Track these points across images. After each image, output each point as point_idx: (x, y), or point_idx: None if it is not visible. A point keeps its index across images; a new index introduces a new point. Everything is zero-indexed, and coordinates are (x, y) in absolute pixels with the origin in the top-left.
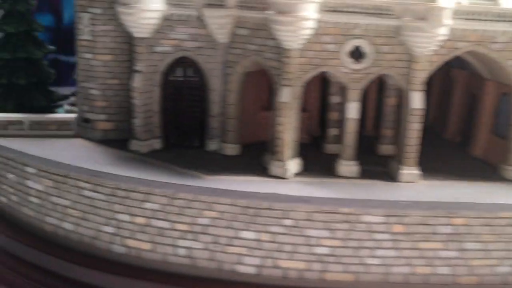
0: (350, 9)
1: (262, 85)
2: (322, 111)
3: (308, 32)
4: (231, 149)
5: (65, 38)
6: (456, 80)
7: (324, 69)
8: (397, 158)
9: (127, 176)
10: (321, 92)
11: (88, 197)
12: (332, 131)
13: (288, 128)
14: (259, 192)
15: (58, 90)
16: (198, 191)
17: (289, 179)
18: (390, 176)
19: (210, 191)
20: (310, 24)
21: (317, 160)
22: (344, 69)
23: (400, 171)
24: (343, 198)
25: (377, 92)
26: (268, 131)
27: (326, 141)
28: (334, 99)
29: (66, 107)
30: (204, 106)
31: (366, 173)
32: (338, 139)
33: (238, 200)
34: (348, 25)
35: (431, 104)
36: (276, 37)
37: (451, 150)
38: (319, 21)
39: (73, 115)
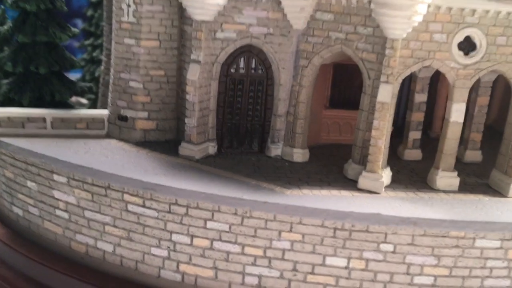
0: None
1: (325, 80)
2: (397, 110)
3: (419, 18)
4: (300, 155)
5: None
6: None
7: (428, 63)
8: (501, 168)
9: (187, 190)
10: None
11: (135, 213)
12: (414, 135)
13: (385, 133)
14: (354, 212)
15: None
16: (279, 209)
17: (381, 194)
18: (494, 189)
19: (293, 210)
20: (423, 8)
21: (401, 168)
22: (452, 64)
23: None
24: (454, 219)
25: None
26: (355, 135)
27: (404, 145)
28: (419, 97)
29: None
30: (268, 104)
31: (464, 186)
32: (419, 144)
33: (328, 221)
34: (463, 11)
35: (493, 104)
36: (379, 23)
37: None
38: (429, 5)
39: (105, 112)
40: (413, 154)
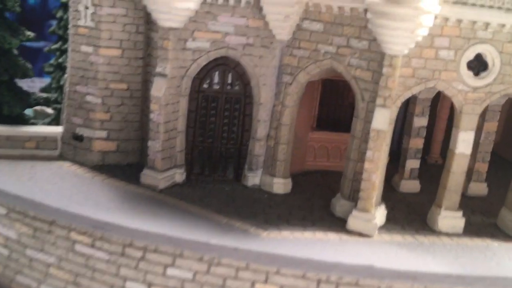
0: (481, 1)
1: (312, 98)
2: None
3: (423, 32)
4: (281, 186)
5: (31, 19)
6: None
7: (431, 84)
8: (511, 207)
9: (144, 230)
10: None
11: (83, 255)
12: (411, 163)
13: (380, 166)
14: (342, 262)
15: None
16: (252, 257)
17: (374, 237)
18: (504, 231)
19: (269, 258)
20: (429, 20)
21: (396, 203)
22: (460, 86)
23: None
24: (461, 274)
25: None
26: (345, 165)
27: (401, 175)
28: (418, 121)
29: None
30: (246, 126)
31: (469, 226)
32: (417, 174)
33: (311, 272)
34: (475, 24)
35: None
36: (377, 36)
37: None
38: (436, 16)
39: (58, 130)
40: (410, 185)
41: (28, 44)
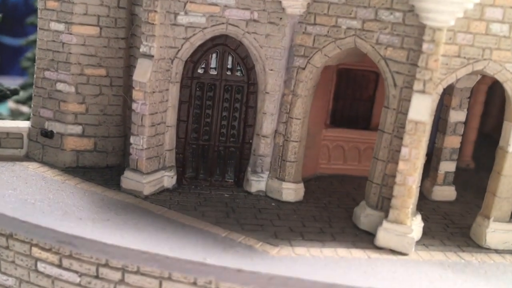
0: None
1: (326, 90)
2: None
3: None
4: (292, 192)
5: (11, 15)
6: None
7: (480, 66)
8: None
9: (122, 247)
10: None
11: (49, 276)
12: (446, 166)
13: (418, 166)
14: None
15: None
16: (260, 281)
17: (411, 256)
18: None
19: (282, 283)
20: None
21: (429, 213)
22: None
23: None
24: None
25: (485, 103)
26: (372, 167)
27: (433, 180)
28: (456, 115)
29: (10, 104)
30: (249, 120)
31: None
32: (452, 179)
33: None
34: None
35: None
36: (415, 3)
37: None
38: None
39: (24, 125)
40: (444, 192)
41: (7, 41)
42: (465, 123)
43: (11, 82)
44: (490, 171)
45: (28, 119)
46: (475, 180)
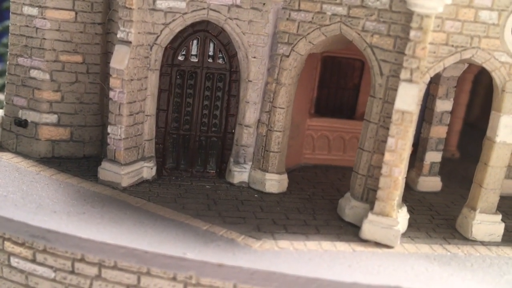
0: None
1: (310, 78)
2: None
3: None
4: (275, 183)
5: None
6: None
7: (468, 54)
8: None
9: (98, 241)
10: None
11: (22, 271)
12: (432, 156)
13: (404, 157)
14: (359, 283)
15: None
16: (242, 275)
17: (396, 248)
18: None
19: (265, 277)
20: None
21: (414, 204)
22: (503, 57)
23: None
24: None
25: (471, 92)
26: (357, 158)
27: (418, 171)
28: (442, 105)
29: None
30: (231, 109)
31: (507, 233)
32: (438, 169)
33: None
34: None
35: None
36: None
37: None
38: None
39: None
40: (430, 183)
41: None
42: (451, 112)
43: None
44: (475, 161)
45: (1, 107)
46: (460, 170)
